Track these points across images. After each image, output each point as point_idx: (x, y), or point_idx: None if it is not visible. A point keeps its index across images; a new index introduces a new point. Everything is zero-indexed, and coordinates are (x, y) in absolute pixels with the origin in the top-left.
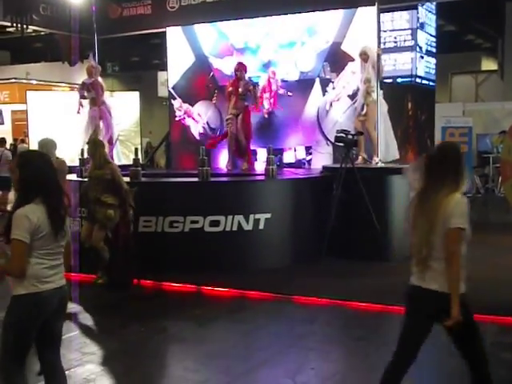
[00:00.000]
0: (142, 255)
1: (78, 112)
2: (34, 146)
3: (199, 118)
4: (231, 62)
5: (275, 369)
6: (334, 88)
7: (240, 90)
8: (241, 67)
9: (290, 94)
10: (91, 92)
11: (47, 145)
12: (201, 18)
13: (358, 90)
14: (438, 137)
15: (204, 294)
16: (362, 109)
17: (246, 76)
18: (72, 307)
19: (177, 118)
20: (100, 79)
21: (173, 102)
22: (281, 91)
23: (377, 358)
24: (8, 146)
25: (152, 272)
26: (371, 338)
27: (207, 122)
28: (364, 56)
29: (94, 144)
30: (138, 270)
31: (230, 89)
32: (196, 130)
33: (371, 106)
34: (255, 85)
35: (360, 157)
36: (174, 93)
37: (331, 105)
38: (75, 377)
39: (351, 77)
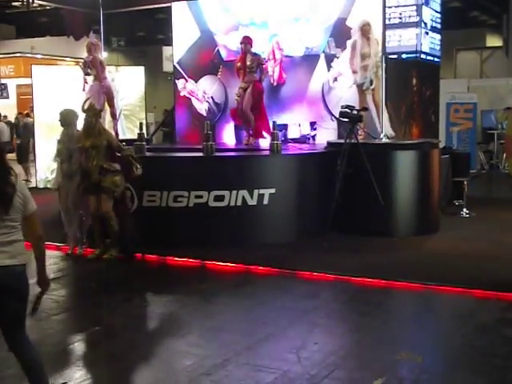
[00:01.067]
0: (146, 229)
1: (84, 89)
2: (39, 119)
3: (203, 96)
4: (236, 37)
5: (279, 343)
6: (339, 63)
7: (248, 62)
8: (246, 40)
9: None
10: (92, 69)
11: (68, 115)
12: None
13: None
14: (442, 113)
15: (208, 268)
16: (371, 83)
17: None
18: (73, 282)
19: (181, 94)
20: (101, 56)
21: (176, 81)
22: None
23: (380, 334)
24: (13, 120)
25: (156, 246)
26: (375, 313)
27: (212, 97)
28: (366, 27)
29: (95, 115)
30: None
31: (239, 64)
32: (200, 107)
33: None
34: (263, 61)
35: (362, 132)
36: (179, 68)
37: (336, 80)
38: (78, 351)
39: (350, 50)
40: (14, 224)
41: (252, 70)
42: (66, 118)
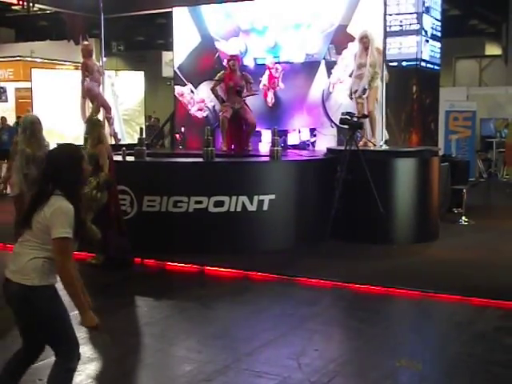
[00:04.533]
0: (145, 234)
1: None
2: None
3: (200, 106)
4: (237, 43)
5: (279, 350)
6: (337, 70)
7: (242, 82)
8: (234, 58)
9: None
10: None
11: (35, 123)
12: None
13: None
14: (441, 121)
15: (207, 274)
16: (364, 92)
17: (252, 60)
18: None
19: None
20: (91, 59)
21: (175, 87)
22: None
23: (380, 341)
24: (12, 123)
25: (155, 251)
26: (374, 320)
27: (211, 103)
28: (365, 40)
29: (92, 124)
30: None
31: (231, 83)
32: (198, 114)
33: (374, 89)
34: (251, 79)
35: (363, 140)
36: (179, 73)
37: (333, 87)
38: None
39: (352, 59)
40: (28, 238)
41: (242, 90)
42: (33, 126)
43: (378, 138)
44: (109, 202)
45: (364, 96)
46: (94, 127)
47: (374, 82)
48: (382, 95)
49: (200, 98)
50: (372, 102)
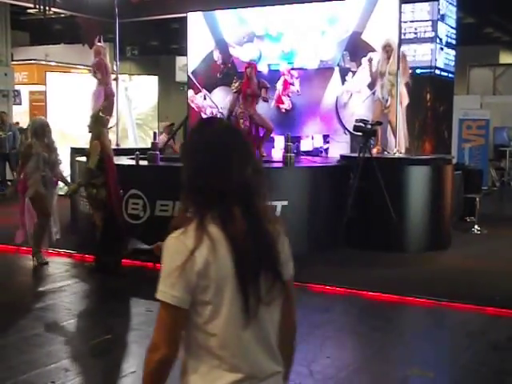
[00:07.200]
0: (158, 239)
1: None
2: (52, 126)
3: (211, 112)
4: (251, 49)
5: None
6: (352, 77)
7: (258, 91)
8: (251, 66)
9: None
10: (97, 73)
11: (43, 125)
12: (222, 3)
13: (375, 80)
14: (455, 129)
15: None
16: (387, 101)
17: (266, 66)
18: (85, 289)
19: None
20: (106, 60)
21: (189, 91)
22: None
23: (392, 349)
24: (26, 126)
25: None
26: (387, 328)
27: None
28: (388, 48)
29: (95, 120)
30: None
31: (249, 91)
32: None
33: (395, 98)
34: (266, 85)
35: (376, 148)
36: (193, 78)
37: (351, 94)
38: (88, 359)
39: (371, 67)
40: (277, 301)
41: (258, 98)
42: (41, 128)
43: (401, 146)
44: (109, 203)
45: (387, 105)
46: (96, 123)
47: (394, 88)
48: (397, 103)
49: (213, 104)
50: (394, 111)
